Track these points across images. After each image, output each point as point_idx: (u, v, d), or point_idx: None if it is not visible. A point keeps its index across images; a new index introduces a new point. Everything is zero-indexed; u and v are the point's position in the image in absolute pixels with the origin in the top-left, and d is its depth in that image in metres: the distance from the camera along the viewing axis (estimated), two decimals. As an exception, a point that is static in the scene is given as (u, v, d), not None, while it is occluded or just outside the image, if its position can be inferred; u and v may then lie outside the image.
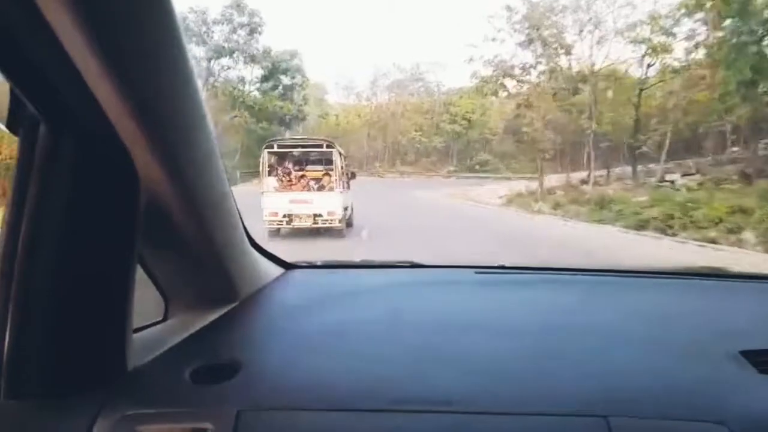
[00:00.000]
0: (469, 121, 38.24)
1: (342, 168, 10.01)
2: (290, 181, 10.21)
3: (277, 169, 10.36)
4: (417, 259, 1.43)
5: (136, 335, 0.76)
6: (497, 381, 0.77)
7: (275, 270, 1.25)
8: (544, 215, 15.39)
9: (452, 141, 38.87)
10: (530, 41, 19.91)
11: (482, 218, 14.48)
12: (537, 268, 1.46)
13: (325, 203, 9.19)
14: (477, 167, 38.26)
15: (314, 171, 10.56)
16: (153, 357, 0.79)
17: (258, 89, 26.51)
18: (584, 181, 20.03)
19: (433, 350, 0.87)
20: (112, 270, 0.70)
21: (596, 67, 20.06)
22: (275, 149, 10.27)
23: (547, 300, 1.18)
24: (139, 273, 0.77)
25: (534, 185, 20.91)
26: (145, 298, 0.82)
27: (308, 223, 9.04)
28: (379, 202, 15.94)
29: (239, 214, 0.97)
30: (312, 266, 1.40)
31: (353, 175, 11.81)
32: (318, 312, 1.03)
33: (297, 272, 1.32)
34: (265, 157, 9.93)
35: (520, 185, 22.17)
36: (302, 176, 10.41)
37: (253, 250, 1.12)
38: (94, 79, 0.56)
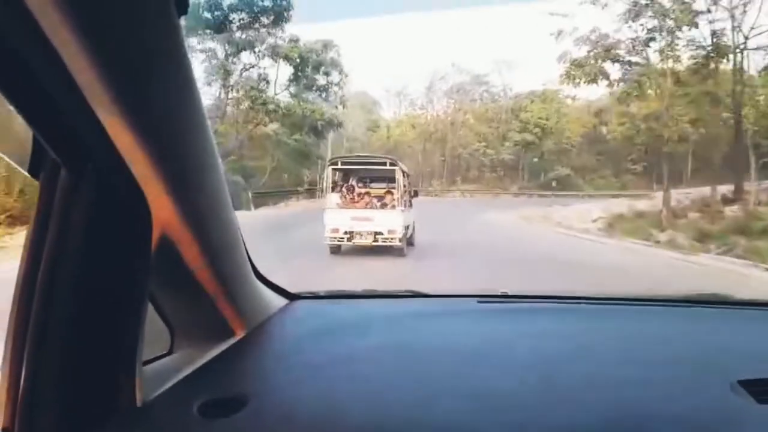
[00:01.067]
0: (542, 129, 32.40)
1: (404, 186, 10.04)
2: (353, 198, 10.23)
3: (340, 186, 10.48)
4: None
5: (144, 368, 0.78)
6: (502, 413, 0.79)
7: (279, 301, 1.29)
8: (683, 251, 9.64)
9: (523, 153, 33.06)
10: (641, 9, 14.15)
11: (589, 254, 9.93)
12: (538, 296, 1.49)
13: (386, 221, 9.10)
14: (553, 183, 32.13)
15: (377, 188, 10.63)
16: (161, 391, 0.81)
17: (290, 92, 22.26)
18: (730, 199, 13.75)
19: (438, 382, 0.89)
20: (125, 306, 0.73)
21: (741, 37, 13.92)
22: (339, 166, 10.47)
23: (549, 329, 1.21)
24: None
25: (640, 205, 15.29)
26: (150, 330, 0.81)
27: (368, 241, 9.00)
28: (440, 230, 12.19)
29: (245, 245, 1.02)
30: (315, 297, 1.44)
31: (416, 194, 11.89)
32: (323, 344, 1.07)
33: (301, 303, 1.35)
34: (328, 174, 10.24)
35: (617, 205, 17.17)
36: (365, 193, 10.46)
37: (258, 281, 1.15)
38: (112, 126, 0.61)
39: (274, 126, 21.93)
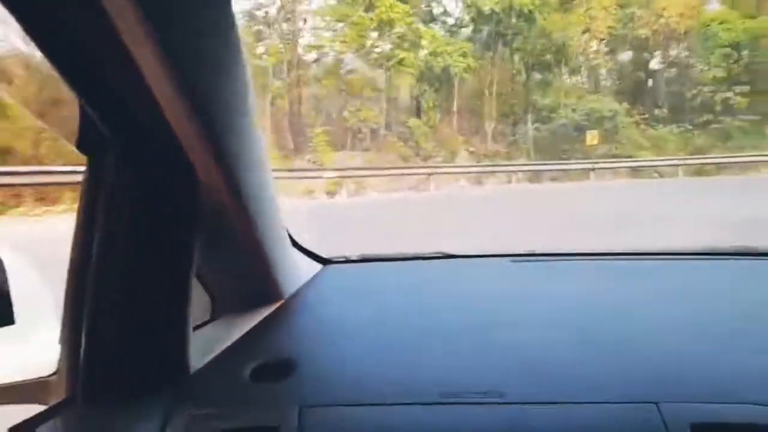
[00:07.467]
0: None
1: None
2: None
3: None
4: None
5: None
6: (545, 371, 0.81)
7: (314, 266, 1.33)
8: None
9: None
10: None
11: None
12: (571, 253, 1.50)
13: None
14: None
15: None
16: (211, 357, 0.85)
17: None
18: None
19: (477, 342, 0.91)
20: (175, 276, 0.77)
21: None
22: None
23: (584, 286, 1.22)
24: None
25: None
26: (192, 298, 0.86)
27: None
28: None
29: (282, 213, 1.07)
30: (348, 261, 1.46)
31: None
32: (361, 306, 1.11)
33: (335, 267, 1.39)
34: None
35: None
36: None
37: (293, 248, 1.19)
38: (161, 97, 0.63)
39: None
